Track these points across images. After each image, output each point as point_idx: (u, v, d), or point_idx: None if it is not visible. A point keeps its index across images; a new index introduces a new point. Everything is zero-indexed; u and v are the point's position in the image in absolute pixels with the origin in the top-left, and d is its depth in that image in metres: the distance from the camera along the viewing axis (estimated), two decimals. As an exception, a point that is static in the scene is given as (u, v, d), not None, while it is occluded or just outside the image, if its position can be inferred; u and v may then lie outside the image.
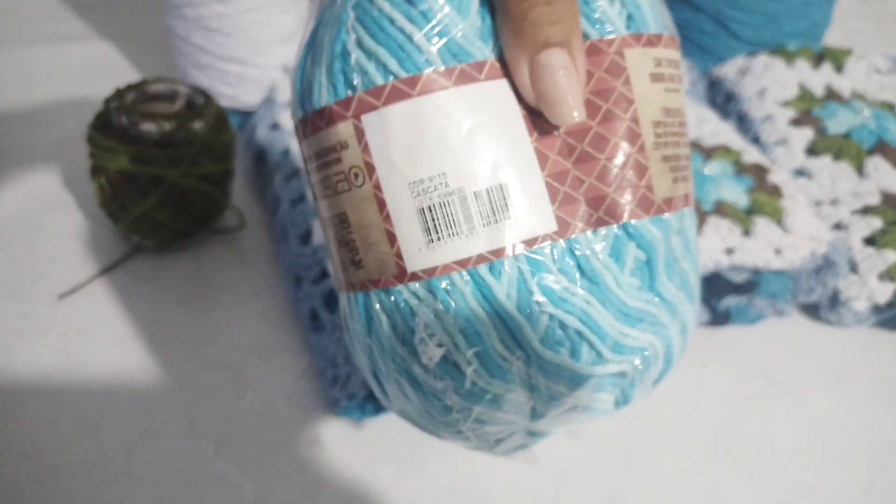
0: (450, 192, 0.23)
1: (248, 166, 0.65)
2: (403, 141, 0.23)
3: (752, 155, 0.60)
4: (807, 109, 0.68)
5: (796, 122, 0.66)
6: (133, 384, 0.49)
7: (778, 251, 0.52)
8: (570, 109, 0.23)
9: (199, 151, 0.52)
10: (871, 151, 0.63)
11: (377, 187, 0.24)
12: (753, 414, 0.51)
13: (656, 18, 0.26)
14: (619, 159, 0.24)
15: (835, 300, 0.56)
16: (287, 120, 0.63)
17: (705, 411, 0.51)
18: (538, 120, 0.24)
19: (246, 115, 0.70)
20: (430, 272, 0.24)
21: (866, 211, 0.58)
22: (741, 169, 0.59)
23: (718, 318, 0.55)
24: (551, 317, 0.24)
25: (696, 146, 0.61)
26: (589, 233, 0.24)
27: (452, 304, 0.24)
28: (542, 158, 0.24)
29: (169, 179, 0.51)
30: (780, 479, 0.47)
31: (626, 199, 0.24)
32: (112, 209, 0.53)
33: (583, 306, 0.24)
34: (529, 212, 0.23)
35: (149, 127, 0.50)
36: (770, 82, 0.70)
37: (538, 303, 0.24)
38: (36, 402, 0.47)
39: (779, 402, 0.52)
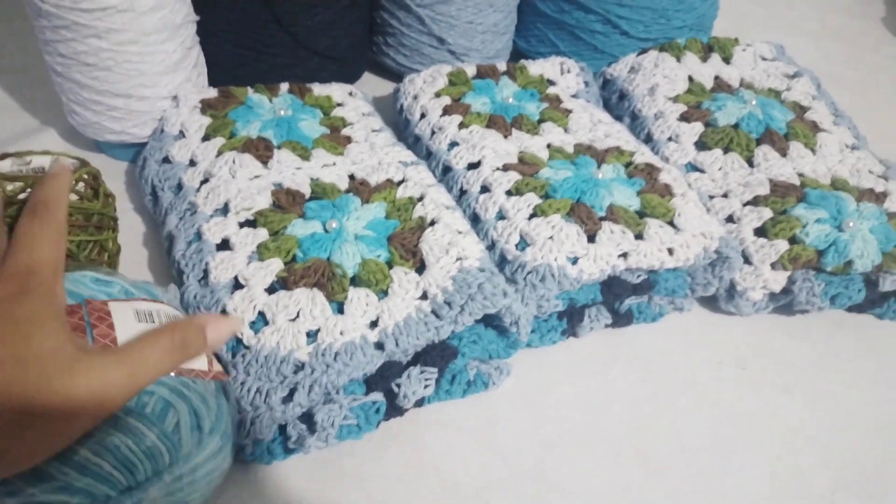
0: None
1: (141, 204, 0.63)
2: None
3: (644, 155, 0.61)
4: (696, 103, 0.69)
5: (686, 117, 0.67)
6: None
7: (671, 251, 0.53)
8: None
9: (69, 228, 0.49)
10: (759, 141, 0.65)
11: None
12: (661, 411, 0.52)
13: None
14: None
15: (732, 292, 0.58)
16: (177, 152, 0.62)
17: (613, 413, 0.52)
18: None
19: (138, 147, 0.67)
20: None
21: (756, 201, 0.60)
22: (633, 170, 0.60)
23: (621, 319, 0.56)
24: None
25: (589, 150, 0.62)
26: None
27: None
28: None
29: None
30: (691, 474, 0.48)
31: None
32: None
33: None
34: None
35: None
36: (660, 78, 0.71)
37: None
38: None
39: (685, 397, 0.53)
